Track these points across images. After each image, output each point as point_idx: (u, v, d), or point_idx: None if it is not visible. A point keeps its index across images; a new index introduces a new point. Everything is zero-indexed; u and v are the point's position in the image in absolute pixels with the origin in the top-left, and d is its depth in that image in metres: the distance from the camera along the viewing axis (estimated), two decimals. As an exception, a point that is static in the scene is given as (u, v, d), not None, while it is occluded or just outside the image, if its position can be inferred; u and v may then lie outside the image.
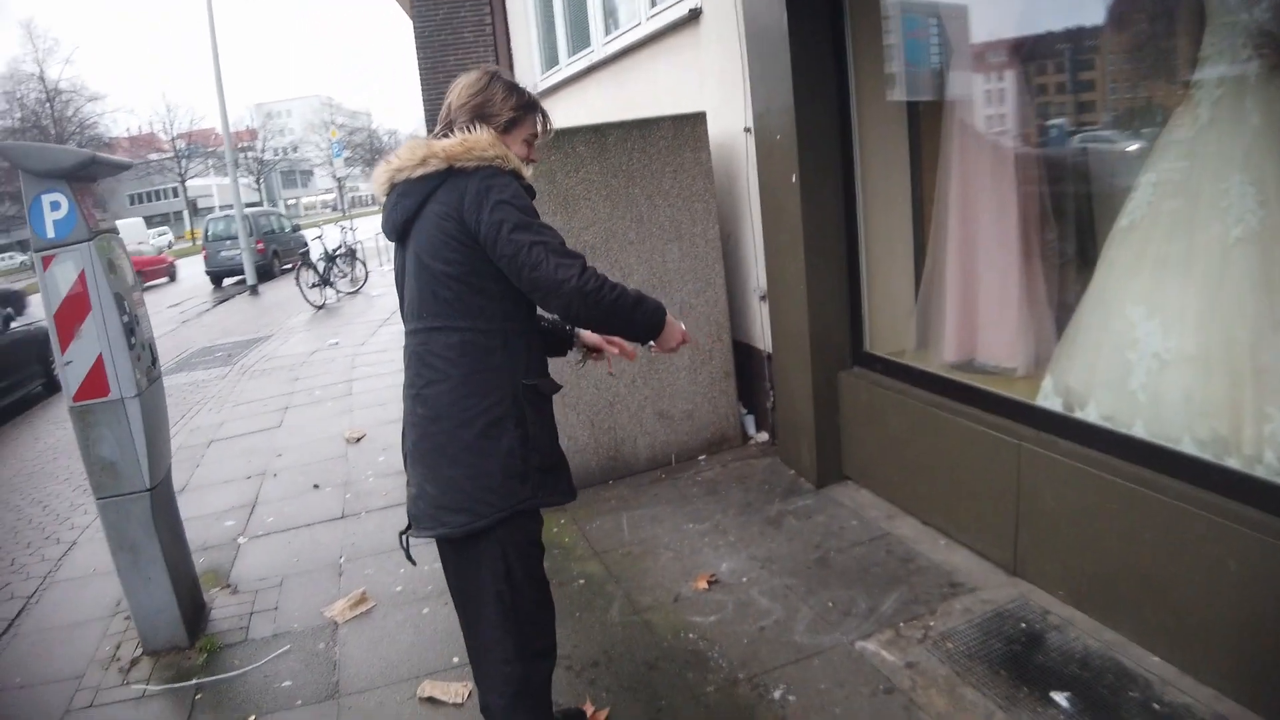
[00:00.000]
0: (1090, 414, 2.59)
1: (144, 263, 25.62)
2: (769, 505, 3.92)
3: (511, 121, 2.18)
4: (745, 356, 4.76)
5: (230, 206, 20.81)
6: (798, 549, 3.48)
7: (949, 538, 3.29)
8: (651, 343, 2.15)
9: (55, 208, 3.05)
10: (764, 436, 4.68)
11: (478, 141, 2.08)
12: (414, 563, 2.26)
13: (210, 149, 53.95)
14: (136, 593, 3.42)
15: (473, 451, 2.01)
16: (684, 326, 2.21)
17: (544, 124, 2.29)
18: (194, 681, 3.24)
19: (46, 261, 3.09)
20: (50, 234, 3.07)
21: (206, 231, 21.82)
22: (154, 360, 3.58)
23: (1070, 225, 3.10)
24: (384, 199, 2.16)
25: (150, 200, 71.44)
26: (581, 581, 3.54)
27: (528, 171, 2.18)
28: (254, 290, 19.20)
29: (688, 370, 4.50)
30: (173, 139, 56.28)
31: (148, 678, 3.31)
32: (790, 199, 3.70)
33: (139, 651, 3.49)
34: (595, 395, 4.41)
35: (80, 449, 3.26)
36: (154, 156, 57.51)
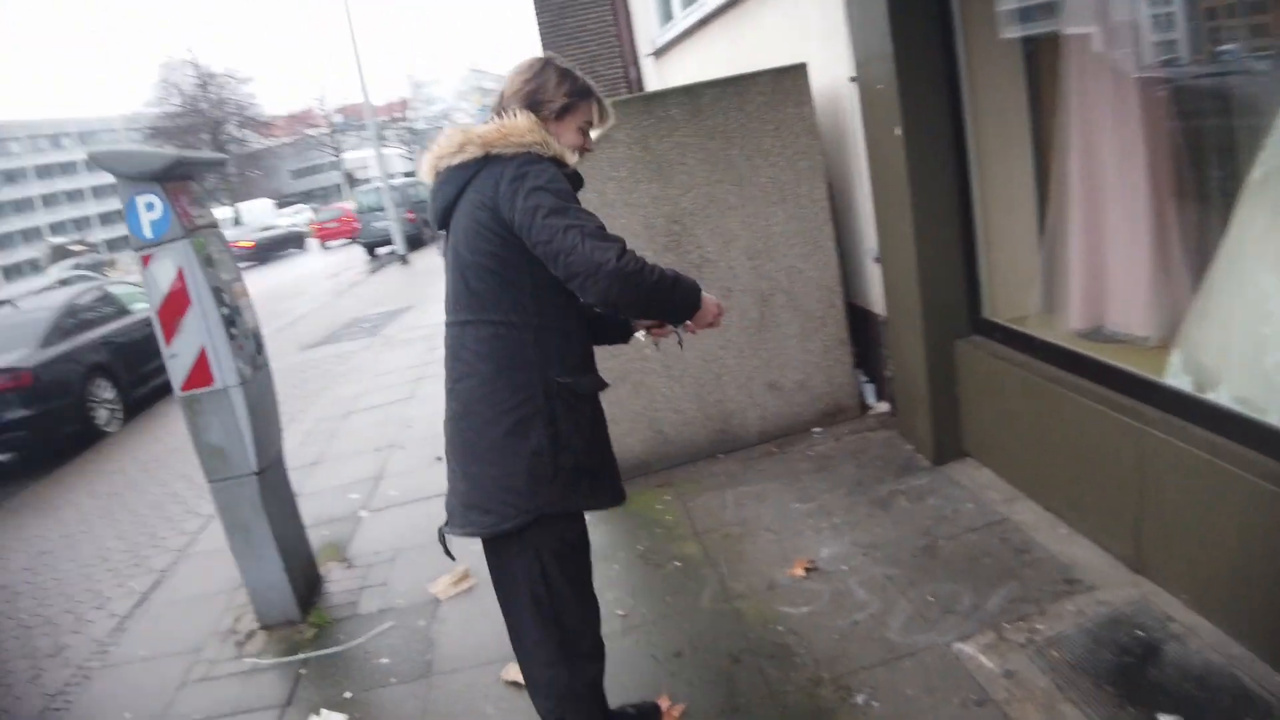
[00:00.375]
0: (1222, 396, 2.27)
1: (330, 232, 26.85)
2: (880, 484, 3.72)
3: (564, 109, 2.11)
4: (862, 322, 4.52)
5: (395, 176, 21.65)
6: (905, 534, 3.29)
7: (1070, 526, 3.01)
8: (687, 322, 2.08)
9: (150, 209, 3.20)
10: (884, 407, 4.45)
11: (515, 127, 2.01)
12: (453, 558, 2.24)
13: (362, 122, 56.35)
14: (250, 570, 3.62)
15: (500, 450, 1.97)
16: (718, 300, 2.11)
17: (600, 112, 2.20)
18: (300, 656, 3.41)
19: (146, 260, 3.26)
20: (147, 234, 3.23)
21: (358, 204, 22.81)
22: (259, 348, 3.74)
23: (1212, 173, 2.72)
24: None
25: (310, 175, 75.64)
26: (677, 564, 3.48)
27: (572, 159, 2.10)
28: (404, 260, 20.00)
29: (798, 339, 4.31)
30: (327, 114, 59.05)
31: (260, 651, 3.51)
32: (895, 153, 3.44)
33: (254, 625, 3.70)
34: (701, 368, 4.30)
35: (190, 436, 3.45)
36: (311, 132, 60.59)
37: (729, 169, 4.10)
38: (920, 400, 3.77)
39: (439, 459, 5.48)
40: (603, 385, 2.13)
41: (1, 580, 5.25)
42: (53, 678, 3.77)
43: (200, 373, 3.35)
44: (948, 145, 3.38)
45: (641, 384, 4.30)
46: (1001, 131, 3.37)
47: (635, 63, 9.48)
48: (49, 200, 73.91)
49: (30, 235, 69.79)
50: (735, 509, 3.82)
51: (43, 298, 10.81)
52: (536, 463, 1.95)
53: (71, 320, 9.31)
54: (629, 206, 4.11)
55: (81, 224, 73.56)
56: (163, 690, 3.39)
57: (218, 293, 3.35)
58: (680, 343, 2.27)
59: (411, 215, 21.71)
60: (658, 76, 8.72)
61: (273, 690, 3.23)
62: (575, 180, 2.08)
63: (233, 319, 3.45)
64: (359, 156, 53.07)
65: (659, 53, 8.46)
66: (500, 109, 2.09)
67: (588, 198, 4.02)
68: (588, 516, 2.17)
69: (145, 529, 5.57)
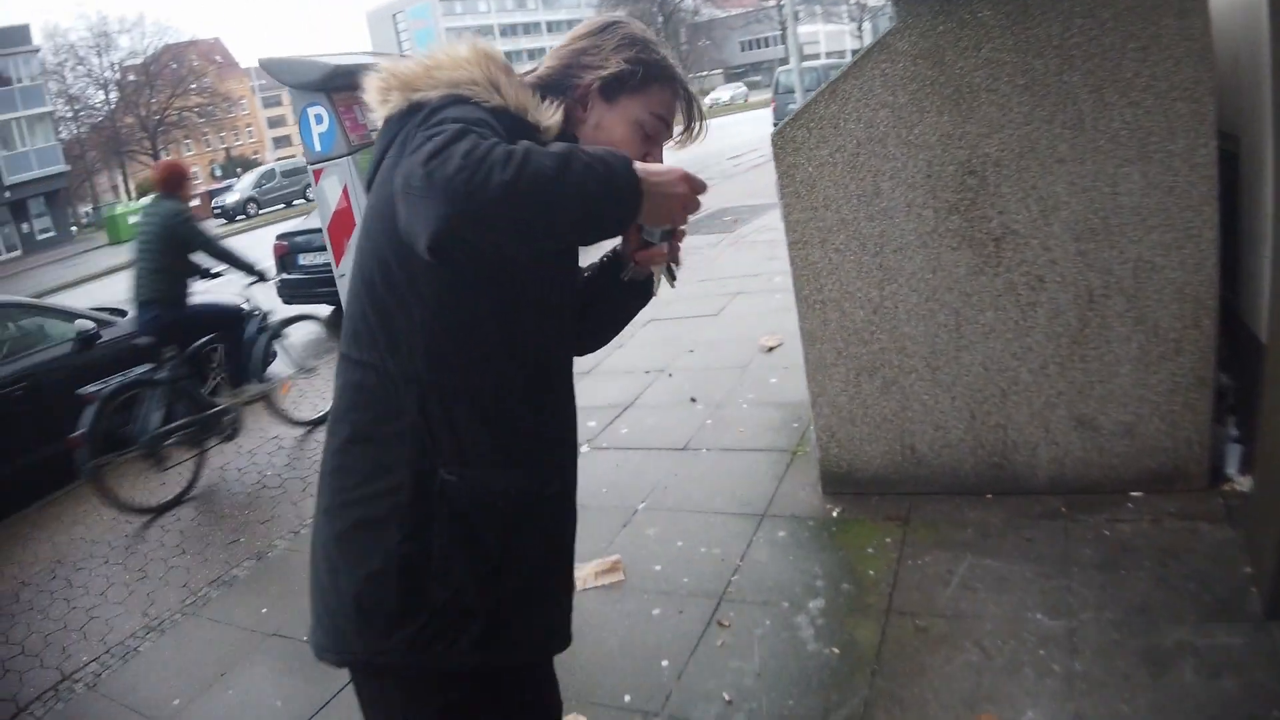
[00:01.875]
0: None
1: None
2: (1174, 623, 2.49)
3: (617, 81, 1.47)
4: (1242, 353, 3.13)
5: (829, 53, 20.83)
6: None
7: None
8: (654, 231, 1.44)
9: (319, 121, 3.09)
10: (1245, 484, 3.06)
11: (444, 60, 1.39)
12: None
13: None
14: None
15: (334, 551, 1.39)
16: (683, 171, 1.32)
17: (686, 108, 1.56)
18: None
19: (317, 175, 3.17)
20: (317, 148, 3.17)
21: (776, 84, 22.31)
22: None
23: None
24: None
25: (756, 48, 76.42)
26: (835, 651, 2.67)
27: (547, 117, 1.41)
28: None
29: (1135, 363, 3.06)
30: None
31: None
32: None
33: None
34: (983, 378, 3.25)
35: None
36: (771, 3, 60.78)
37: (1062, 103, 2.90)
38: (1290, 507, 2.46)
39: (693, 400, 5.04)
40: (540, 490, 1.43)
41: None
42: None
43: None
44: None
45: (895, 383, 3.37)
46: None
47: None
48: (511, 57, 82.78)
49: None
50: (958, 591, 2.84)
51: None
52: (373, 591, 1.33)
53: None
54: (907, 146, 3.11)
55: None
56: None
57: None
58: (672, 272, 1.56)
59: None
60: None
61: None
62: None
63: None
64: (808, 31, 52.19)
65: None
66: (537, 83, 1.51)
67: (848, 129, 3.14)
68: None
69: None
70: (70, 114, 52.07)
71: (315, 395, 6.79)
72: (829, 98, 3.19)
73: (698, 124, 1.58)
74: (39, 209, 44.93)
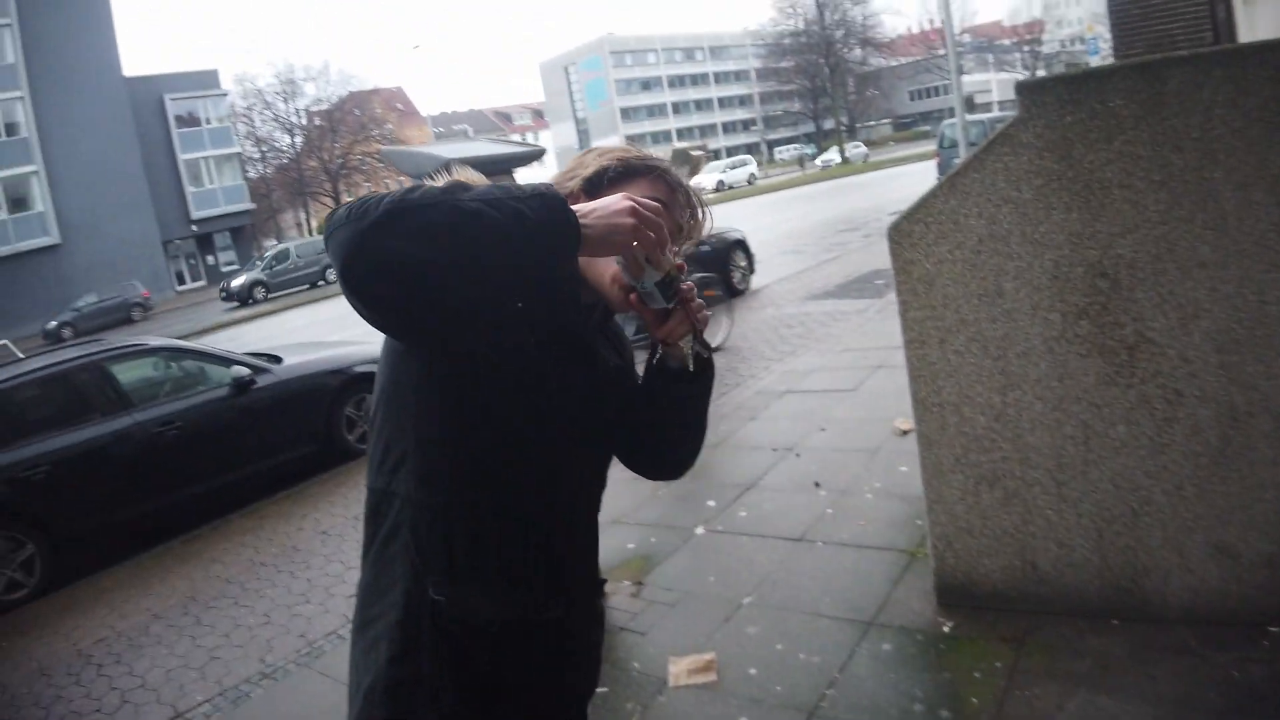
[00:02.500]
0: None
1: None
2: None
3: (597, 176, 1.47)
4: None
5: (1002, 103, 20.25)
6: None
7: None
8: (643, 284, 1.33)
9: None
10: None
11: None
12: None
13: (985, 42, 53.68)
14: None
15: (350, 672, 1.47)
16: (626, 197, 1.28)
17: (680, 197, 1.52)
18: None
19: None
20: None
21: (941, 137, 21.82)
22: None
23: None
24: None
25: (925, 97, 75.28)
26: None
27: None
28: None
29: (1289, 488, 2.80)
30: (956, 34, 58.40)
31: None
32: None
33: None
34: (1113, 495, 3.05)
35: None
36: (939, 53, 60.05)
37: (1203, 202, 2.72)
38: None
39: (817, 485, 4.94)
40: (536, 614, 1.44)
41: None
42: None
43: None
44: None
45: (1017, 495, 3.21)
46: None
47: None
48: (679, 107, 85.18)
49: (659, 138, 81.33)
50: (1067, 731, 2.64)
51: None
52: (368, 709, 1.40)
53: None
54: (1031, 244, 2.98)
55: (706, 131, 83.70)
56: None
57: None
58: (698, 340, 1.46)
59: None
60: (1247, 22, 6.36)
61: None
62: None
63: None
64: (979, 80, 50.90)
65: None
66: None
67: (968, 225, 3.04)
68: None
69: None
70: (258, 155, 56.78)
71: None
72: (948, 191, 3.11)
73: (700, 212, 1.54)
74: (224, 243, 49.03)
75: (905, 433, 5.47)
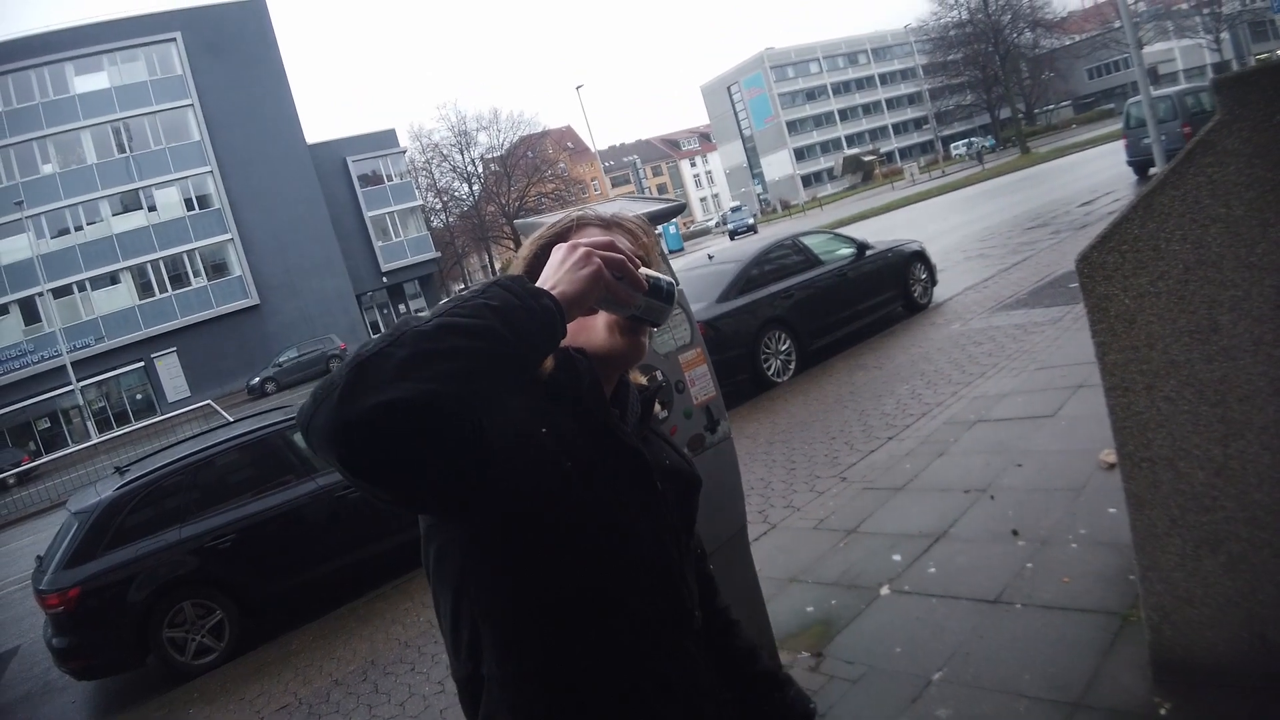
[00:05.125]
0: None
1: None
2: None
3: (533, 260, 1.42)
4: None
5: (1188, 71, 18.77)
6: None
7: None
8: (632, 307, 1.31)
9: None
10: None
11: None
12: None
13: (1162, 9, 49.69)
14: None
15: None
16: (569, 245, 1.26)
17: (615, 228, 1.47)
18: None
19: None
20: None
21: (1127, 116, 20.28)
22: (711, 422, 3.40)
23: None
24: None
25: (1106, 73, 70.86)
26: None
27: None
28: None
29: None
30: (1131, 3, 54.70)
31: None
32: None
33: None
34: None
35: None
36: (1116, 25, 56.53)
37: None
38: None
39: (1014, 533, 4.51)
40: None
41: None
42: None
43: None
44: None
45: (1243, 559, 2.76)
46: None
47: None
48: (846, 114, 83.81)
49: (828, 147, 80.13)
50: None
51: (739, 248, 12.04)
52: None
53: (756, 272, 10.12)
54: (1248, 269, 2.56)
55: (877, 134, 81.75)
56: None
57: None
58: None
59: (1188, 129, 18.37)
60: None
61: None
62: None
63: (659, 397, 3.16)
64: (1162, 49, 47.22)
65: None
66: None
67: (1170, 251, 2.65)
68: None
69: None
70: (439, 205, 60.06)
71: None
72: (1144, 215, 2.72)
73: (634, 226, 1.48)
74: (414, 290, 52.23)
75: (1113, 466, 4.93)
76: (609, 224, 1.46)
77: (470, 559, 1.24)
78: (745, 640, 1.63)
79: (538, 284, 1.18)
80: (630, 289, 1.27)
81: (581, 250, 1.22)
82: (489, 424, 1.12)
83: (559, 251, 1.24)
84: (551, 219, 1.53)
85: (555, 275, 1.21)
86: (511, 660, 1.23)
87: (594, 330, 1.36)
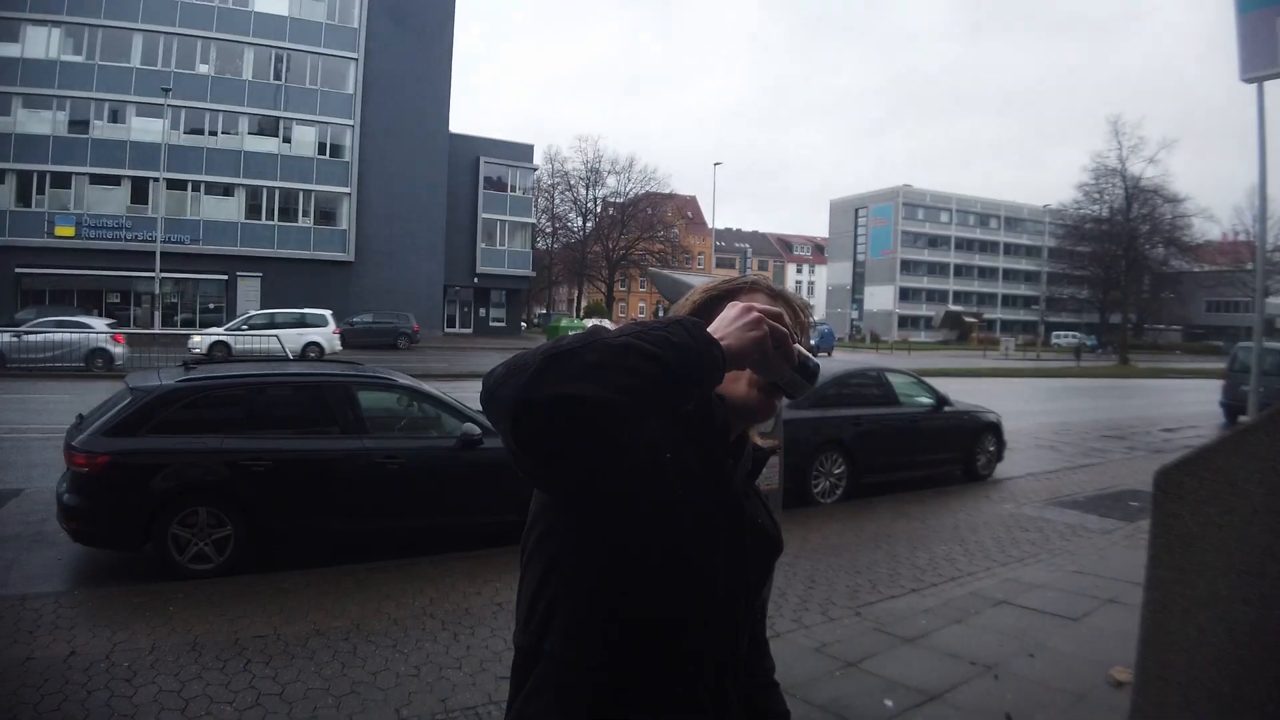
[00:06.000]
0: None
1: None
2: None
3: (704, 305, 1.60)
4: None
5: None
6: None
7: None
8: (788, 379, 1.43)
9: None
10: None
11: None
12: None
13: None
14: None
15: None
16: (743, 305, 1.38)
17: (781, 303, 1.59)
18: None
19: None
20: None
21: (1234, 359, 20.14)
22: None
23: None
24: None
25: (1223, 310, 70.37)
26: None
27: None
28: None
29: None
30: (1268, 250, 53.94)
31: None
32: None
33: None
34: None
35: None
36: (1249, 268, 56.05)
37: None
38: None
39: (1008, 717, 4.51)
40: None
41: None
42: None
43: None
44: None
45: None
46: None
47: None
48: (961, 270, 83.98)
49: (934, 296, 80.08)
50: None
51: (825, 364, 12.24)
52: None
53: (834, 391, 10.23)
54: (1317, 530, 2.61)
55: (984, 299, 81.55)
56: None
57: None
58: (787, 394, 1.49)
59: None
60: None
61: None
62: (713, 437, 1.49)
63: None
64: (1288, 305, 46.67)
65: None
66: None
67: (1245, 490, 2.72)
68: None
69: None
70: (549, 230, 61.33)
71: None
72: (1231, 449, 2.80)
73: (796, 308, 1.60)
74: (498, 300, 53.68)
75: (1121, 684, 4.91)
76: (777, 296, 1.60)
77: (568, 548, 1.37)
78: (781, 705, 1.74)
79: (709, 329, 1.32)
80: (783, 360, 1.39)
81: (755, 314, 1.34)
82: (631, 434, 1.26)
83: (734, 308, 1.36)
84: (723, 275, 1.70)
85: (726, 329, 1.33)
86: (573, 646, 1.37)
87: (737, 382, 1.48)
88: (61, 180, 38.94)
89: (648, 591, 1.36)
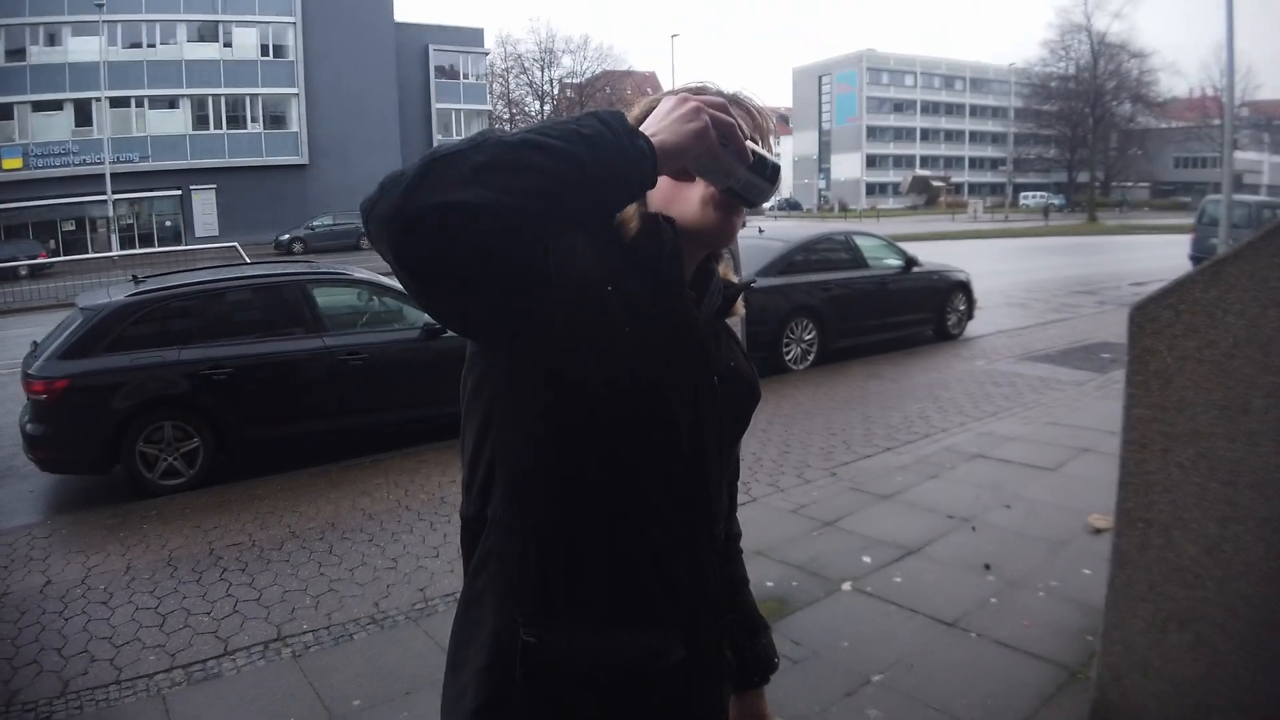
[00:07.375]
0: None
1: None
2: None
3: (649, 108, 1.23)
4: None
5: (1272, 188, 18.61)
6: None
7: None
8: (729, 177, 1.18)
9: None
10: None
11: None
12: None
13: (1265, 120, 49.04)
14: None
15: (444, 717, 1.31)
16: (686, 97, 1.14)
17: (734, 105, 1.26)
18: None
19: None
20: None
21: (1201, 212, 20.11)
22: None
23: None
24: None
25: (1191, 166, 70.24)
26: None
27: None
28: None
29: None
30: (1235, 106, 53.99)
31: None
32: None
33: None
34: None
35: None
36: (1216, 123, 55.87)
37: None
38: None
39: (986, 568, 4.52)
40: (654, 659, 1.23)
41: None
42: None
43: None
44: None
45: (1208, 643, 2.74)
46: None
47: None
48: (927, 134, 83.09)
49: (901, 161, 79.41)
50: None
51: (790, 229, 12.06)
52: None
53: (801, 257, 10.10)
54: (1300, 357, 2.52)
55: (951, 163, 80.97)
56: None
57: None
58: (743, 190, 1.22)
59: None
60: None
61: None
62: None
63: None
64: (1252, 159, 46.67)
65: None
66: None
67: (1226, 323, 2.62)
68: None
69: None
70: (506, 116, 59.69)
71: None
72: (1209, 280, 2.68)
73: (754, 110, 1.33)
74: None
75: (1099, 531, 4.93)
76: (731, 99, 1.31)
77: (503, 396, 1.19)
78: (741, 571, 1.59)
79: (640, 128, 1.10)
80: (734, 159, 1.16)
81: (692, 104, 1.11)
82: (555, 261, 1.08)
83: (668, 101, 1.13)
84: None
85: (659, 123, 1.10)
86: (515, 508, 1.20)
87: (687, 201, 1.25)
88: (4, 112, 37.34)
89: (593, 446, 1.18)
